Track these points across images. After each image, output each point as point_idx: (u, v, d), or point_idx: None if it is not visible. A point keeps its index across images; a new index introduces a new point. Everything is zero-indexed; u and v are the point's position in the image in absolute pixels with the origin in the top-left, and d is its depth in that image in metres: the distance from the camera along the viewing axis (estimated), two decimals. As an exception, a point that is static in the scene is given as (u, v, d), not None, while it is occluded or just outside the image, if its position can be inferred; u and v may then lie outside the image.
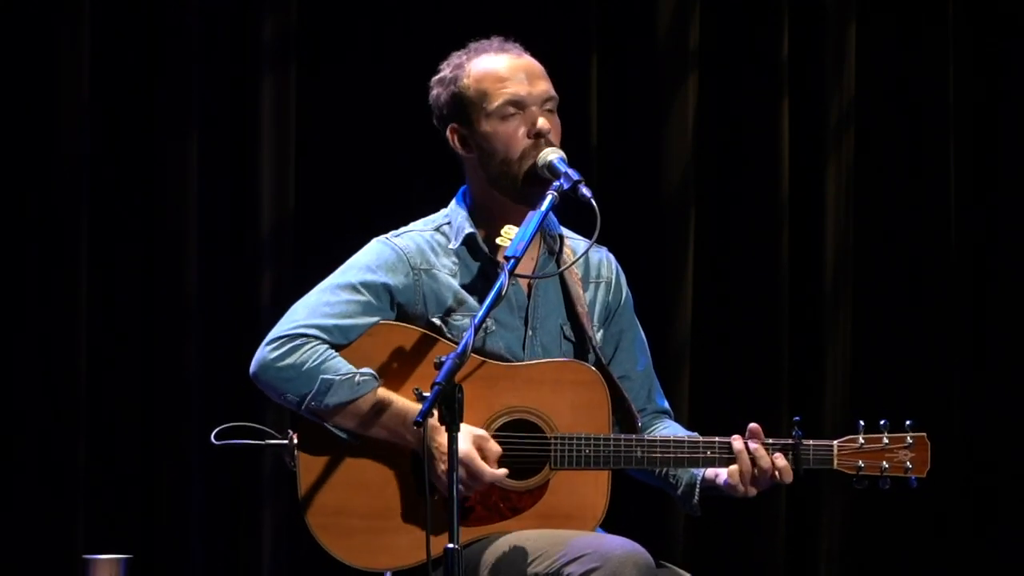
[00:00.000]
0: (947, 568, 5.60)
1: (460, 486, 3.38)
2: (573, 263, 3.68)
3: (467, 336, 3.23)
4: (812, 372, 5.54)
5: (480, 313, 3.29)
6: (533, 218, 3.44)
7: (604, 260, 3.78)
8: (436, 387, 3.13)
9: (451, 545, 3.13)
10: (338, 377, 3.47)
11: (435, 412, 3.16)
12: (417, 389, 3.36)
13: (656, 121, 5.41)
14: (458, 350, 3.18)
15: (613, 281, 3.77)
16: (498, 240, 3.58)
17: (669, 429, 3.72)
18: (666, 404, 3.81)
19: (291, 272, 4.92)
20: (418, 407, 3.41)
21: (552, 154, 3.55)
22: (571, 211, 3.58)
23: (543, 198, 3.46)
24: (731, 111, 5.53)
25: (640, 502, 5.00)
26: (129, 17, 4.88)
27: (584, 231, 3.61)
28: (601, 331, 3.73)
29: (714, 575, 5.32)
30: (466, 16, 5.05)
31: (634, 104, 5.42)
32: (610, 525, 3.62)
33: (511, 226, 3.57)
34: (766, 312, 5.48)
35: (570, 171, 3.50)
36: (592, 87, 5.32)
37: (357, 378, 3.48)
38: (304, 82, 5.02)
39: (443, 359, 3.17)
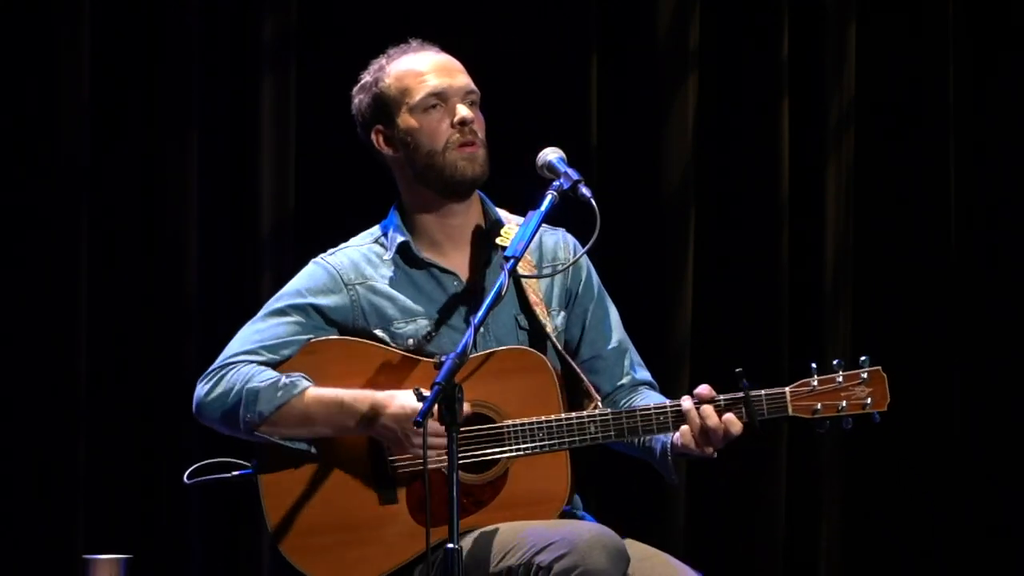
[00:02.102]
0: (947, 569, 5.60)
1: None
2: (572, 263, 3.68)
3: (467, 336, 3.23)
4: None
5: (480, 313, 3.29)
6: (533, 218, 3.45)
7: (560, 243, 3.74)
8: (436, 387, 3.14)
9: (451, 545, 3.13)
10: (263, 384, 3.48)
11: (434, 412, 3.17)
12: (417, 389, 3.36)
13: (656, 121, 5.41)
14: (457, 350, 3.19)
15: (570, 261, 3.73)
16: (498, 240, 3.60)
17: (645, 399, 3.68)
18: (645, 375, 3.75)
19: (291, 272, 4.90)
20: (354, 393, 3.46)
21: (552, 154, 3.55)
22: (571, 211, 3.58)
23: (543, 198, 3.47)
24: (731, 111, 5.53)
25: (639, 500, 5.00)
26: (129, 17, 4.88)
27: (584, 231, 3.61)
28: (563, 315, 3.70)
29: (714, 572, 5.32)
30: (466, 16, 5.05)
31: (634, 104, 5.41)
32: (607, 519, 3.61)
33: (511, 226, 3.58)
34: (766, 312, 5.48)
35: (570, 171, 3.50)
36: (592, 87, 5.32)
37: (282, 381, 3.49)
38: (304, 82, 5.02)
39: (443, 359, 3.18)
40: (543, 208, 3.45)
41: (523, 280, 3.64)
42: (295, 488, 3.50)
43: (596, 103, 5.33)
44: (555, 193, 3.47)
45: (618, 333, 3.75)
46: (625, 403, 3.69)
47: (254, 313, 4.83)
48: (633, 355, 3.76)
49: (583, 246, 3.54)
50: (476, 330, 3.25)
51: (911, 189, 5.66)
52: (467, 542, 3.44)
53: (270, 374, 3.51)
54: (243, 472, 3.57)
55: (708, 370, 5.41)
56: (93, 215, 4.78)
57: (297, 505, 3.49)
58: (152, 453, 4.84)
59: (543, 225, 3.53)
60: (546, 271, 3.69)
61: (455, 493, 3.14)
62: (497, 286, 3.32)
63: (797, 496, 5.49)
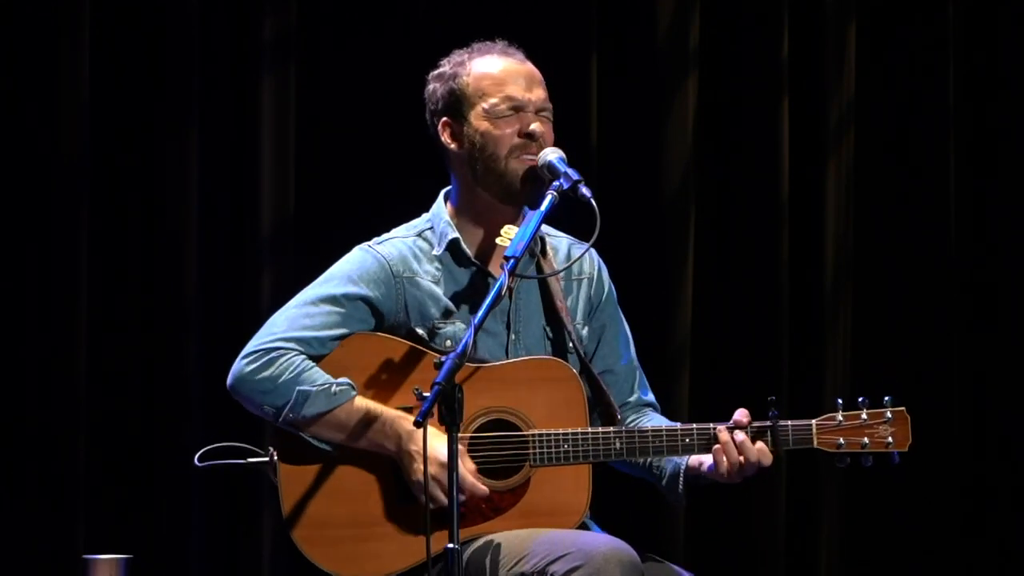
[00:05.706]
0: (947, 561, 5.60)
1: (441, 494, 3.41)
2: (571, 264, 3.70)
3: (467, 336, 3.23)
4: (812, 372, 5.54)
5: (480, 313, 3.29)
6: (533, 218, 3.45)
7: (586, 257, 3.77)
8: (436, 387, 3.14)
9: (451, 545, 3.14)
10: (314, 388, 3.48)
11: (435, 412, 3.17)
12: (417, 389, 3.36)
13: (656, 121, 5.41)
14: (457, 350, 3.19)
15: (595, 276, 3.78)
16: (497, 240, 3.60)
17: (652, 421, 3.72)
18: (651, 397, 3.80)
19: (291, 272, 4.92)
20: (396, 413, 3.48)
21: (552, 154, 3.56)
22: (571, 211, 3.58)
23: (543, 198, 3.47)
24: (731, 111, 5.53)
25: (638, 500, 5.00)
26: (129, 17, 4.88)
27: (584, 231, 3.61)
28: (586, 328, 3.73)
29: (714, 572, 5.32)
30: (466, 16, 5.05)
31: (634, 104, 5.42)
32: (608, 524, 3.61)
33: (511, 226, 3.59)
34: (766, 312, 5.48)
35: (570, 171, 3.50)
36: (592, 87, 5.32)
37: (334, 388, 3.49)
38: (304, 82, 5.02)
39: (443, 359, 3.17)
40: (543, 208, 3.45)
41: (552, 292, 3.68)
42: (315, 479, 3.50)
43: (596, 103, 5.33)
44: (555, 193, 3.47)
45: (630, 351, 3.80)
46: (631, 421, 3.73)
47: (254, 313, 4.87)
48: (641, 376, 3.81)
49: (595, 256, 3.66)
50: (476, 331, 3.25)
51: (911, 189, 5.66)
52: (481, 546, 3.46)
53: (323, 378, 3.50)
54: (257, 460, 3.56)
55: (708, 370, 5.42)
56: (93, 215, 4.78)
57: (315, 496, 3.49)
58: (152, 453, 4.84)
59: (573, 240, 3.54)
60: (573, 284, 3.73)
61: (454, 493, 3.15)
62: (497, 286, 3.32)
63: (797, 500, 5.49)
